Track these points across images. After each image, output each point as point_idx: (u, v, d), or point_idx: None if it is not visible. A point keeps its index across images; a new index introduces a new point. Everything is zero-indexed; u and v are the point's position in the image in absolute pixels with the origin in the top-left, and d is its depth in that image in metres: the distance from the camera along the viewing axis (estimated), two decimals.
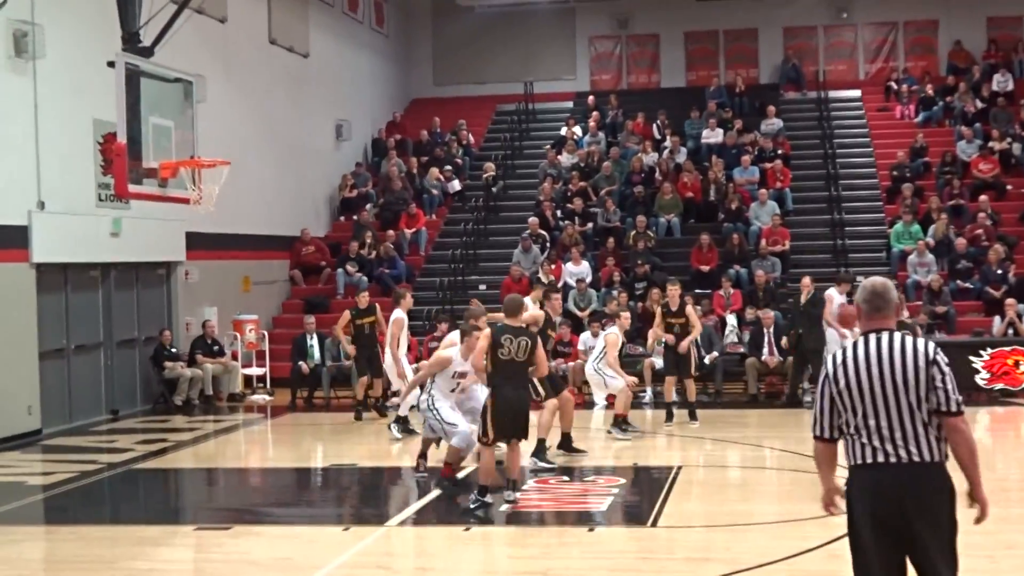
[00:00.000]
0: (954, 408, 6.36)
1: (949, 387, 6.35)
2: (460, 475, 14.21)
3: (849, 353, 6.52)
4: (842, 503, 6.73)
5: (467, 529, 12.18)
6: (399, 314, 19.07)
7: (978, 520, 6.56)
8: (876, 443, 6.39)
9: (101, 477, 16.13)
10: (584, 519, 12.56)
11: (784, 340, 21.66)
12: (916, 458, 6.33)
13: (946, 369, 6.38)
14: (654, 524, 12.19)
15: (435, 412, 14.02)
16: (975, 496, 6.51)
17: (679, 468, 15.07)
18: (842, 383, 6.48)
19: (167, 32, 17.62)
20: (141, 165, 15.90)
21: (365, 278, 26.88)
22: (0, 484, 15.79)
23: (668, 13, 35.65)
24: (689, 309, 19.05)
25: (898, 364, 6.38)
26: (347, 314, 20.90)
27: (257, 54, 27.27)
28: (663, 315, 18.97)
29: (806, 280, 21.40)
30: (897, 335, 6.47)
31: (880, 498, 6.37)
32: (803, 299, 21.04)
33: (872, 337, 6.54)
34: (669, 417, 19.06)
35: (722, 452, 17.13)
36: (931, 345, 6.45)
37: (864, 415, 6.43)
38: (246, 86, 26.38)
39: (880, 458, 6.39)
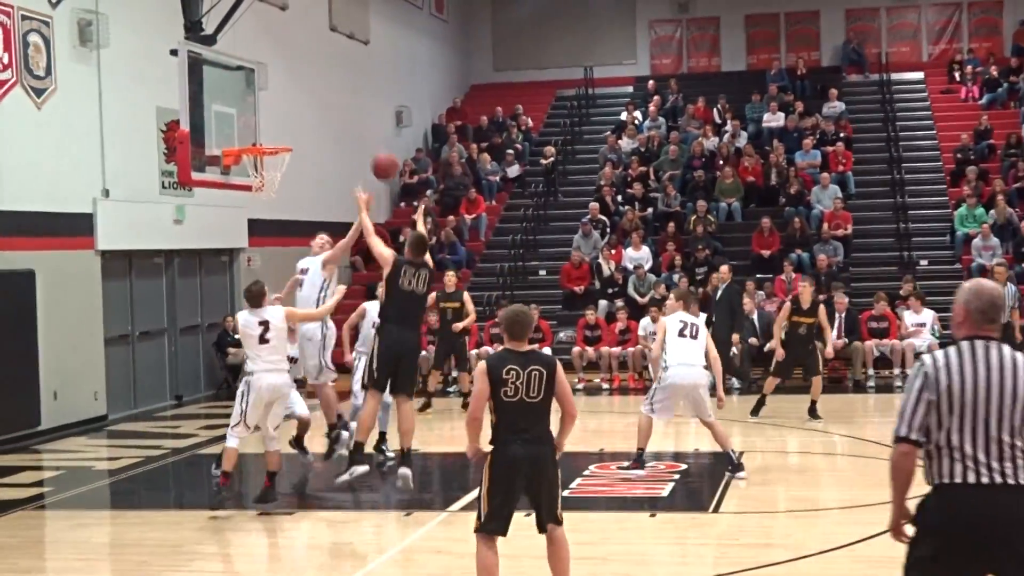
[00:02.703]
0: None
1: None
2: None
3: (953, 357, 5.89)
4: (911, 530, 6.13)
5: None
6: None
7: None
8: (968, 461, 5.79)
9: (166, 462, 16.30)
10: (645, 504, 12.55)
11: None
12: (1011, 480, 5.75)
13: None
14: (716, 510, 12.18)
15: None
16: None
17: (740, 454, 14.99)
18: (943, 385, 5.84)
19: (229, 20, 17.74)
20: (204, 153, 16.01)
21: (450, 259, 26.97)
22: (67, 469, 16.02)
23: None
24: (822, 310, 17.91)
25: (1008, 379, 5.81)
26: (433, 296, 19.99)
27: (318, 41, 27.37)
28: (791, 312, 17.76)
29: (724, 268, 21.23)
30: (1007, 348, 5.91)
31: (967, 520, 5.76)
32: (720, 289, 20.89)
33: (979, 345, 5.91)
34: (757, 410, 18.22)
35: (784, 438, 17.05)
36: None
37: (959, 428, 5.83)
38: (307, 73, 26.49)
39: (971, 478, 5.78)
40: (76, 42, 19.31)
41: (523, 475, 8.23)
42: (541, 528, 8.50)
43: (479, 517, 8.34)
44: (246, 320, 12.74)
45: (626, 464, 14.01)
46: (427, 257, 12.91)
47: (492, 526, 8.28)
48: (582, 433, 17.16)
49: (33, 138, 18.55)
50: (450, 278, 20.53)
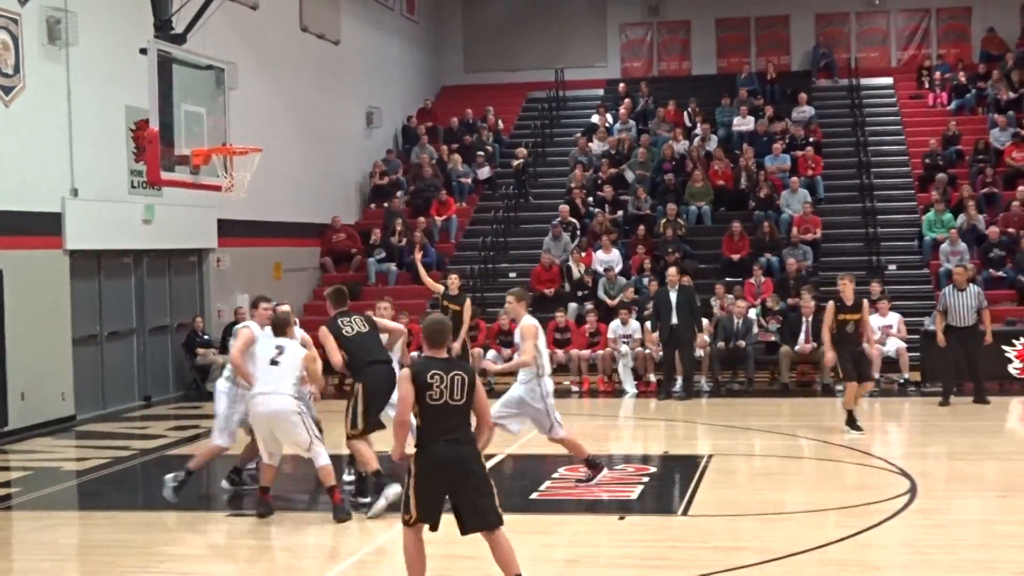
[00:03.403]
0: None
1: None
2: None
3: None
4: None
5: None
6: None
7: None
8: None
9: (134, 463, 16.25)
10: (614, 507, 12.57)
11: (655, 335, 21.48)
12: None
13: None
14: (685, 513, 12.21)
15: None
16: None
17: (710, 457, 15.06)
18: None
19: (199, 19, 17.70)
20: (173, 152, 15.96)
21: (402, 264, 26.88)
22: (35, 470, 15.93)
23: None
24: (866, 305, 17.38)
25: None
26: (441, 289, 20.41)
27: (288, 41, 27.32)
28: (836, 311, 16.99)
29: (672, 271, 21.25)
30: None
31: None
32: (673, 293, 20.87)
33: None
34: (854, 423, 16.72)
35: (753, 441, 17.10)
36: None
37: None
38: (277, 73, 26.43)
39: None
40: (45, 40, 19.21)
41: (447, 475, 8.67)
42: (464, 530, 8.87)
43: (407, 511, 8.77)
44: (264, 343, 12.50)
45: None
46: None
47: (422, 521, 8.76)
48: None
49: (0, 137, 18.45)
50: (453, 280, 20.76)
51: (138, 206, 21.35)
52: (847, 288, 17.02)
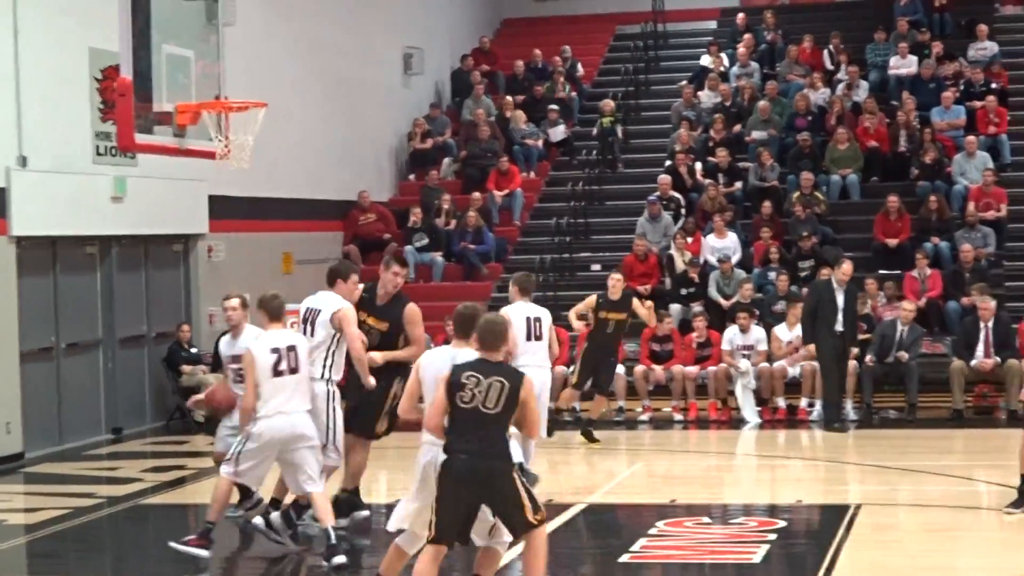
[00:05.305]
0: None
1: None
2: None
3: None
4: None
5: None
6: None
7: None
8: None
9: (100, 515, 16.32)
10: (731, 574, 12.53)
11: (803, 348, 21.29)
12: None
13: None
14: None
15: None
16: None
17: (858, 507, 14.97)
18: None
19: None
20: (152, 108, 16.03)
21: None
22: None
23: None
24: None
25: None
26: (592, 300, 19.70)
27: None
28: None
29: (847, 267, 20.92)
30: None
31: None
32: (840, 293, 20.69)
33: None
34: None
35: (915, 486, 16.96)
36: None
37: None
38: (287, 4, 26.50)
39: None
40: None
41: (472, 491, 9.77)
42: (515, 536, 10.13)
43: (430, 527, 9.91)
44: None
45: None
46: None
47: (441, 537, 9.87)
48: (648, 480, 17.12)
49: None
50: (617, 282, 19.62)
51: (106, 179, 21.45)
52: None
